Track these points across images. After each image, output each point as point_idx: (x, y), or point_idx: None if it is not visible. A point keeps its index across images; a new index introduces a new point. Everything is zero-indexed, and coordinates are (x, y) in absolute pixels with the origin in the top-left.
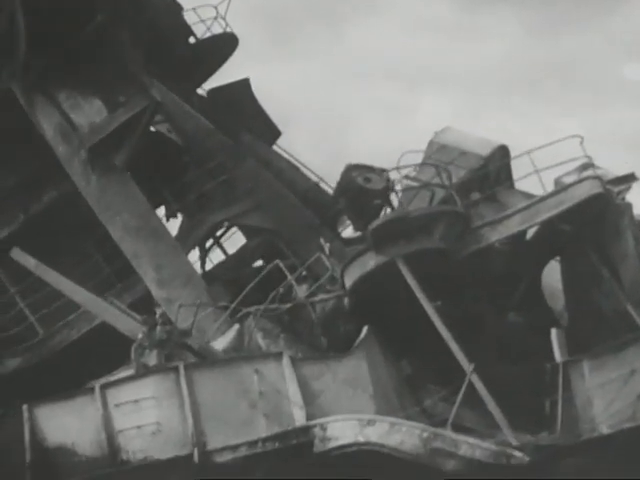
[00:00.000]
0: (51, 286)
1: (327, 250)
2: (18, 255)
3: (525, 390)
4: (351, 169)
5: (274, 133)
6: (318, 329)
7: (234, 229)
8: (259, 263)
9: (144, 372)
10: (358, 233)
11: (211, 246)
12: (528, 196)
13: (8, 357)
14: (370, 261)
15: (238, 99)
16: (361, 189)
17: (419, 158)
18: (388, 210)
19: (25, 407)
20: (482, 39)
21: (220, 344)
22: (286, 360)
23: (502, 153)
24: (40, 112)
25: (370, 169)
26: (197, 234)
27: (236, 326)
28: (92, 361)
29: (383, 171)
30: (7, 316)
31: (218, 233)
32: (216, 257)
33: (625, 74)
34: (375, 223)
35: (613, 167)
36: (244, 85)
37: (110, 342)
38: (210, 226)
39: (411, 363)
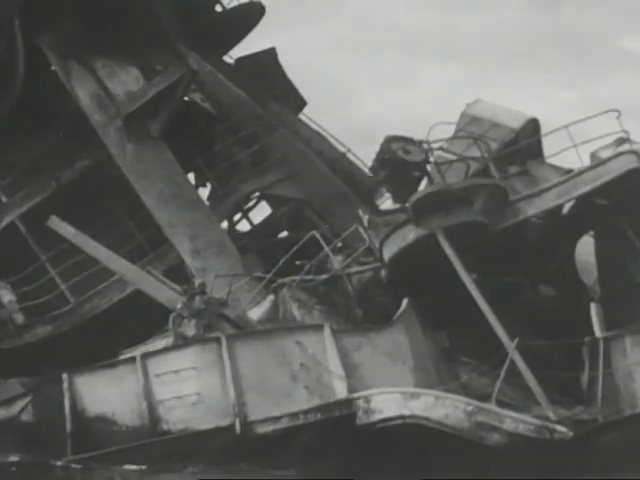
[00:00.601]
0: (81, 254)
1: (365, 222)
2: (56, 224)
3: (560, 364)
4: (390, 140)
5: (299, 103)
6: (354, 301)
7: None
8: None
9: (185, 342)
10: (394, 205)
11: (241, 217)
12: (558, 170)
13: (38, 325)
14: (410, 234)
15: (264, 68)
16: (401, 161)
17: (449, 130)
18: (426, 182)
19: (65, 376)
20: (482, 10)
21: (255, 315)
22: (327, 332)
23: (533, 126)
24: (75, 79)
25: (409, 141)
26: (229, 203)
27: (271, 297)
28: (122, 330)
29: (421, 143)
30: (37, 284)
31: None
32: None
33: (624, 46)
34: (416, 196)
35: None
36: (270, 54)
37: (141, 311)
38: (242, 195)
39: (448, 336)
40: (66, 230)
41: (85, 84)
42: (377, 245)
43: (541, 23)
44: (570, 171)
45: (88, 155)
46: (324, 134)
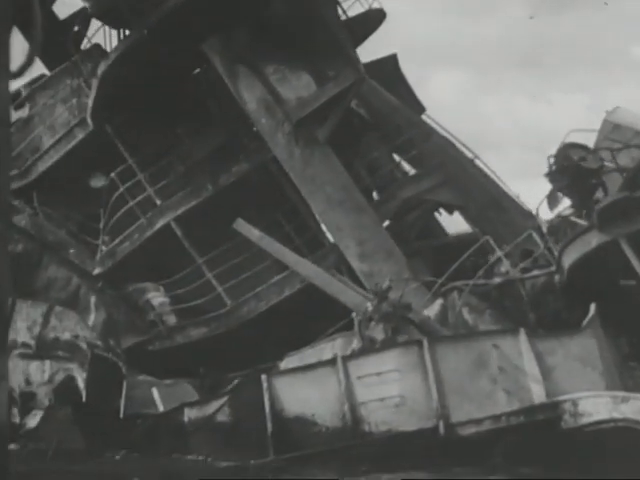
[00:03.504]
0: (236, 257)
1: (544, 228)
2: (242, 226)
3: None
4: (567, 148)
5: (420, 109)
6: (527, 306)
7: None
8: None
9: (387, 345)
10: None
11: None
12: None
13: (192, 327)
14: (592, 240)
15: (387, 74)
16: (581, 168)
17: (587, 136)
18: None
19: (264, 377)
20: (490, 16)
21: None
22: (523, 336)
23: None
24: (243, 85)
25: (585, 148)
26: (388, 209)
27: (440, 300)
28: (278, 332)
29: (595, 151)
30: (194, 286)
31: None
32: None
33: (635, 54)
34: (603, 203)
35: None
36: (392, 60)
37: (298, 314)
38: (401, 201)
39: (629, 342)
40: (252, 233)
41: (253, 89)
42: (554, 251)
43: (549, 29)
44: None
45: (246, 159)
46: (451, 139)
